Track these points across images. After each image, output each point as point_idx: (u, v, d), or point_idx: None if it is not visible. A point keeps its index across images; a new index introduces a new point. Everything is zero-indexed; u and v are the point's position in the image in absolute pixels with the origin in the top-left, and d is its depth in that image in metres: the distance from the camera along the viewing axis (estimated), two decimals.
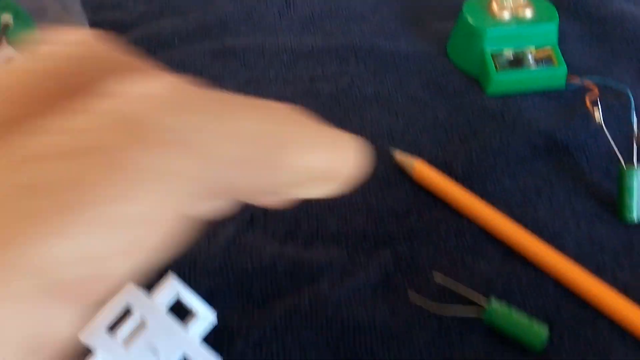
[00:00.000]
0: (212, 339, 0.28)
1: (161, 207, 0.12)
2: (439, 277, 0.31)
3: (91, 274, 0.11)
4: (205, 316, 0.28)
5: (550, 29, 0.42)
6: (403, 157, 0.37)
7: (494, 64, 0.41)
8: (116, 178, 0.11)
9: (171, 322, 0.27)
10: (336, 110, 0.41)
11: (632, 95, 0.37)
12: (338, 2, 0.50)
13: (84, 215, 0.11)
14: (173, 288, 0.27)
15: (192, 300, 0.28)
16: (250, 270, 0.31)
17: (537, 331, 0.28)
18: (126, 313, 0.26)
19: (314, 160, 0.14)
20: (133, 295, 0.26)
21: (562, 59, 0.41)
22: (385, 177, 0.37)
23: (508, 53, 0.42)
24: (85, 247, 0.11)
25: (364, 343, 0.28)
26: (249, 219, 0.34)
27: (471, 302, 0.30)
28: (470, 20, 0.42)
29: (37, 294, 0.11)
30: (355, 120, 0.40)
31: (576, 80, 0.41)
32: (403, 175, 0.37)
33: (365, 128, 0.40)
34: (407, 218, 0.34)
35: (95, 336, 0.25)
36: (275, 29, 0.48)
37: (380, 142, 0.39)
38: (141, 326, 0.26)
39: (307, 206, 0.35)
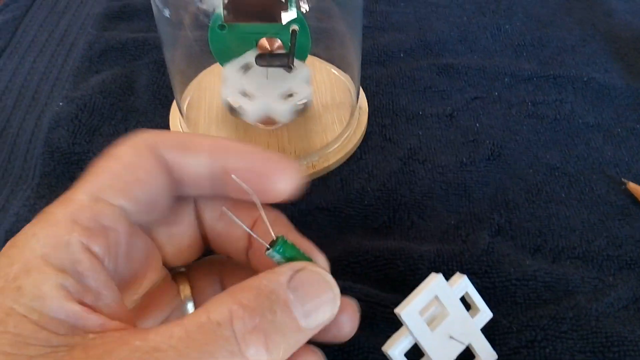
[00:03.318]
0: (485, 335, 0.31)
1: None
2: None
3: None
4: (486, 313, 0.31)
5: None
6: (637, 188, 0.39)
7: None
8: None
9: (466, 313, 0.30)
10: (560, 135, 0.44)
11: None
12: (546, 32, 0.53)
13: None
14: (464, 284, 0.31)
15: (477, 297, 0.31)
16: (513, 277, 0.34)
17: None
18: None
19: None
20: (440, 285, 0.29)
21: None
22: (618, 205, 0.39)
23: None
24: None
25: (628, 354, 0.31)
26: (497, 229, 0.37)
27: None
28: None
29: None
30: (581, 147, 0.43)
31: None
32: (635, 204, 0.39)
33: (592, 155, 0.42)
34: None
35: (410, 315, 0.28)
36: (490, 51, 0.51)
37: (608, 170, 0.41)
38: (443, 313, 0.30)
39: (550, 224, 0.38)
